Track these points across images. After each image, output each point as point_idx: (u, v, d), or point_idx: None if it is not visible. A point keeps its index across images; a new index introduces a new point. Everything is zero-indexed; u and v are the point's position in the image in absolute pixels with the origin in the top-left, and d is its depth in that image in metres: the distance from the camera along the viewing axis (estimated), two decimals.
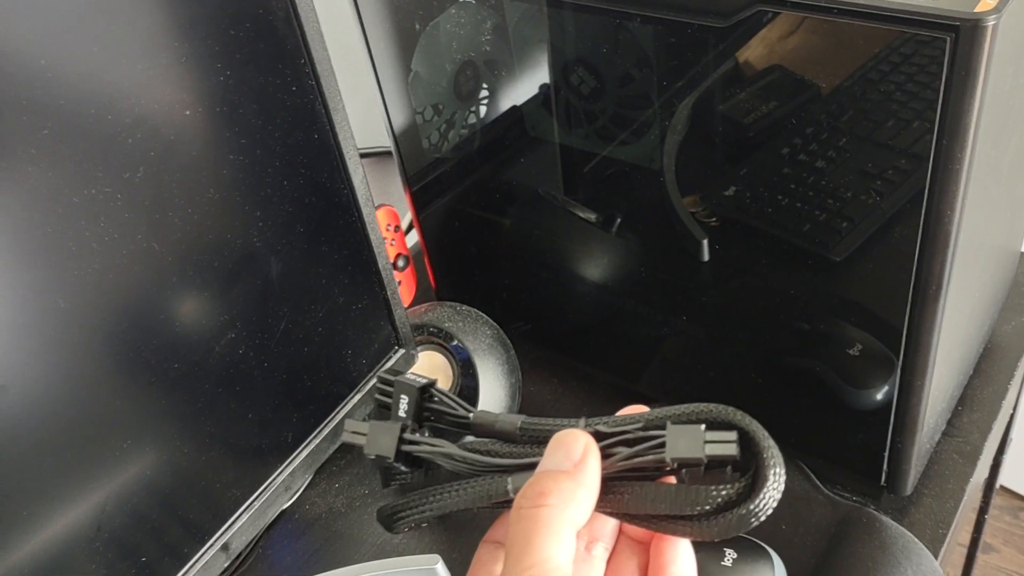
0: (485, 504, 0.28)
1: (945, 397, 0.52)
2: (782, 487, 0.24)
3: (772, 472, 0.24)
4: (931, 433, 0.51)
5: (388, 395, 0.31)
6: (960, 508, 0.52)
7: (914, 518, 0.52)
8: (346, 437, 0.30)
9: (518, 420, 0.29)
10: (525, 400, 0.62)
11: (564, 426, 0.27)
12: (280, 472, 0.46)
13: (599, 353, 0.61)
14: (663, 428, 0.25)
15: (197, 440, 0.41)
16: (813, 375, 0.50)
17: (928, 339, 0.43)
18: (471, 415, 0.30)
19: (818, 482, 0.54)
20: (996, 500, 1.16)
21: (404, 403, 0.30)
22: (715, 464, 0.25)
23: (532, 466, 0.27)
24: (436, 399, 0.30)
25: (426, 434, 0.30)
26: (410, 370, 0.31)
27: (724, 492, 0.24)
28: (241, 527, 0.44)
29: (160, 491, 0.40)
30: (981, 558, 1.26)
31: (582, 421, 0.27)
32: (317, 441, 0.48)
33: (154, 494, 0.39)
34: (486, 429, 0.29)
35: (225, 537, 0.43)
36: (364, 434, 0.30)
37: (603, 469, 0.26)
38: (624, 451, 0.26)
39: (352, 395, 0.50)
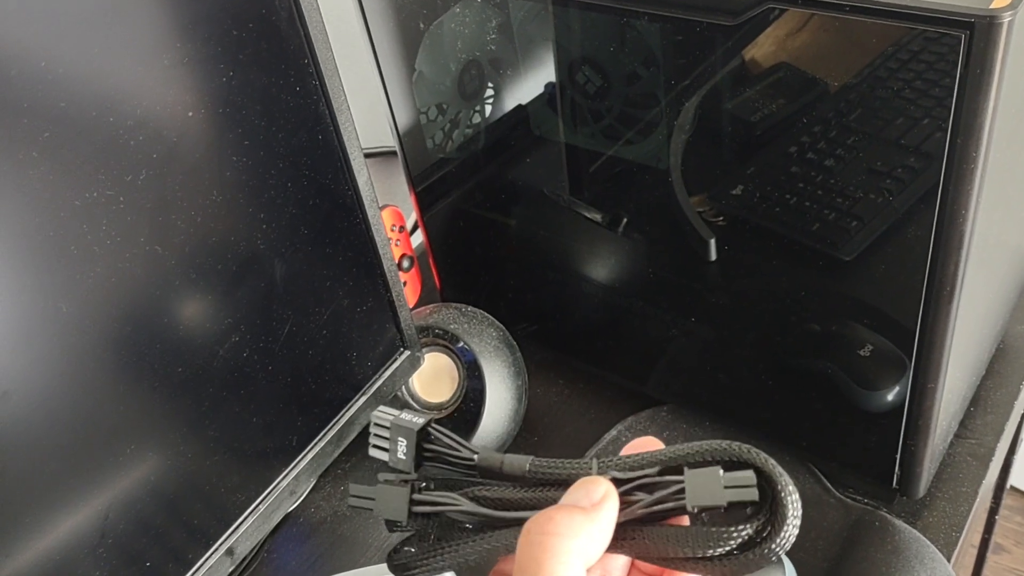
0: (503, 555, 0.28)
1: (958, 398, 0.52)
2: (799, 523, 0.24)
3: (790, 511, 0.24)
4: (944, 435, 0.50)
5: (384, 438, 0.30)
6: (973, 511, 0.51)
7: (927, 521, 0.51)
8: (353, 502, 0.29)
9: (526, 462, 0.28)
10: (531, 402, 0.62)
11: (575, 467, 0.27)
12: (285, 476, 0.46)
13: (606, 354, 0.61)
14: (679, 471, 0.25)
15: (201, 444, 0.41)
16: (823, 377, 0.49)
17: (942, 340, 0.42)
18: (476, 457, 0.29)
19: (829, 485, 0.53)
20: (1006, 500, 1.15)
21: (403, 446, 0.29)
22: (735, 506, 0.25)
23: None
24: (435, 440, 0.29)
25: (432, 485, 0.29)
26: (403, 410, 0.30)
27: (744, 532, 0.24)
28: (246, 531, 0.44)
29: (164, 496, 0.39)
30: (992, 559, 1.25)
31: (594, 463, 0.27)
32: (322, 444, 0.47)
33: (158, 499, 0.39)
34: (493, 472, 0.28)
35: (230, 541, 0.43)
36: (372, 499, 0.29)
37: (623, 516, 0.26)
38: (645, 498, 0.26)
39: (357, 398, 0.50)
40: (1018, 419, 0.61)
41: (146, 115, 0.35)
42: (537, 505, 0.27)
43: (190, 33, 0.36)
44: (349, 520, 0.57)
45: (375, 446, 0.30)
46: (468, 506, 0.28)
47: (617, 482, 0.26)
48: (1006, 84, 0.34)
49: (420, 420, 0.30)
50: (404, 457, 0.29)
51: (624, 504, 0.26)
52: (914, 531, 0.48)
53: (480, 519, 0.28)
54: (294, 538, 0.56)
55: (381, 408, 0.30)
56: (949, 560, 0.48)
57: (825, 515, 0.51)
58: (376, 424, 0.30)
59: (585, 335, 0.61)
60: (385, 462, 0.29)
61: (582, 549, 0.24)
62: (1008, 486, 0.85)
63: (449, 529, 0.29)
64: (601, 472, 0.26)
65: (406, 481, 0.29)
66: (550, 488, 0.27)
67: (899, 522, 0.48)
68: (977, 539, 0.95)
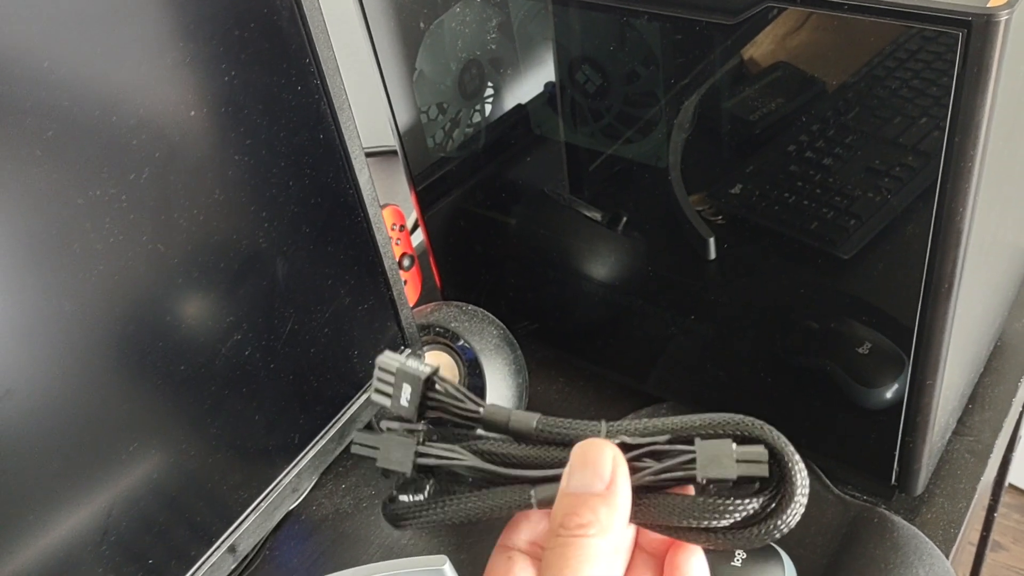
0: (505, 513, 0.27)
1: (956, 395, 0.52)
2: (806, 501, 0.24)
3: (799, 487, 0.24)
4: (942, 432, 0.51)
5: (388, 383, 0.28)
6: (971, 507, 0.52)
7: (925, 518, 0.51)
8: (356, 450, 0.28)
9: (533, 420, 0.27)
10: (532, 400, 0.62)
11: (583, 429, 0.27)
12: (287, 473, 0.46)
13: (606, 352, 0.61)
14: (690, 441, 0.25)
15: (204, 442, 0.41)
16: (822, 374, 0.49)
17: (940, 337, 0.43)
18: (482, 410, 0.28)
19: (828, 482, 0.53)
20: (1004, 498, 1.15)
21: (407, 393, 0.28)
22: (744, 481, 0.25)
23: (556, 477, 0.26)
24: (441, 390, 0.28)
25: (435, 437, 0.29)
26: (408, 355, 0.28)
27: (750, 506, 0.24)
28: (248, 529, 0.44)
29: (167, 493, 0.40)
30: (990, 556, 1.25)
31: (603, 425, 0.26)
32: (324, 442, 0.48)
33: (161, 497, 0.39)
34: (498, 426, 0.28)
35: (232, 539, 0.43)
36: (376, 448, 0.28)
37: (631, 481, 0.25)
38: (654, 466, 0.25)
39: (358, 396, 0.50)
40: (1016, 416, 0.62)
41: (148, 114, 0.35)
42: (542, 464, 0.27)
43: (192, 33, 0.36)
44: (351, 517, 0.57)
45: (378, 391, 0.28)
46: (473, 461, 0.27)
47: (625, 447, 0.25)
48: (1003, 82, 0.35)
49: (426, 368, 0.28)
50: (407, 404, 0.28)
51: (632, 470, 0.25)
52: (912, 528, 0.48)
53: (484, 475, 0.27)
54: (296, 536, 0.56)
55: (387, 353, 0.29)
56: (947, 557, 0.48)
57: (824, 512, 0.52)
58: (381, 369, 0.28)
59: (585, 333, 0.61)
60: (387, 408, 0.28)
61: (613, 543, 0.24)
62: (1007, 483, 0.86)
63: (448, 483, 0.28)
64: (610, 436, 0.26)
65: (411, 431, 0.28)
66: (557, 447, 0.27)
67: (898, 519, 0.49)
68: (976, 536, 0.95)
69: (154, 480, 0.39)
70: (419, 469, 0.28)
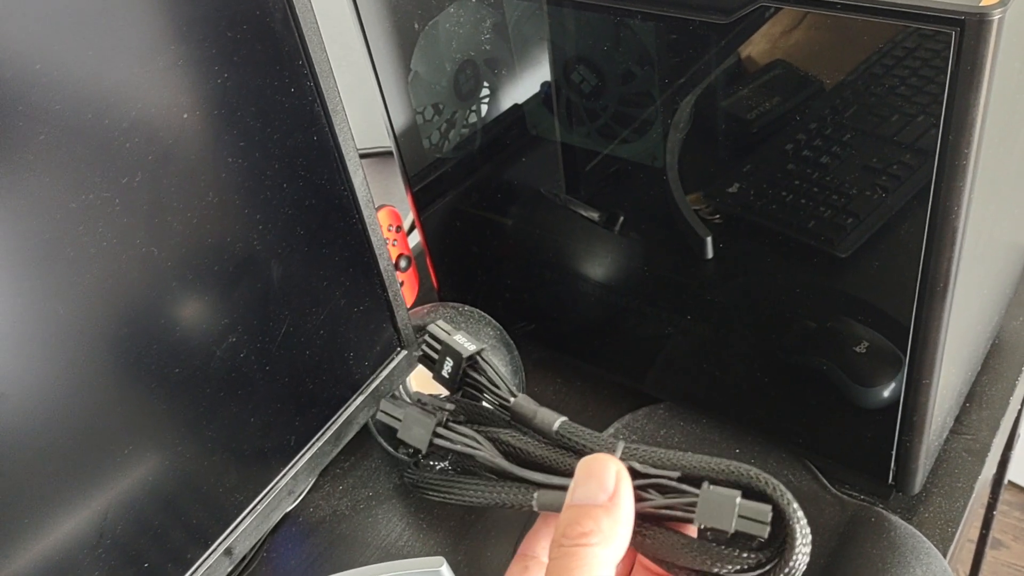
0: (505, 508, 0.28)
1: (953, 394, 0.52)
2: (807, 561, 0.24)
3: (798, 552, 0.24)
4: (939, 431, 0.51)
5: (435, 351, 0.30)
6: (969, 506, 0.52)
7: (923, 517, 0.51)
8: (381, 417, 0.30)
9: (556, 422, 0.28)
10: None
11: (599, 444, 0.27)
12: (283, 475, 0.46)
13: (603, 353, 0.61)
14: (699, 483, 0.25)
15: (199, 444, 0.41)
16: (820, 373, 0.49)
17: (936, 336, 0.43)
18: (512, 400, 0.29)
19: (826, 482, 0.53)
20: (1005, 496, 1.15)
21: (449, 366, 0.30)
22: (742, 535, 0.25)
23: (561, 487, 0.27)
24: (481, 373, 0.30)
25: (462, 418, 0.30)
26: (460, 334, 0.32)
27: (748, 559, 0.25)
28: (244, 531, 0.44)
29: (163, 496, 0.40)
30: (990, 554, 1.25)
31: (620, 445, 0.27)
32: (320, 444, 0.48)
33: (157, 499, 0.39)
34: (524, 419, 0.29)
35: (228, 541, 0.43)
36: (399, 420, 0.30)
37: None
38: (657, 499, 0.26)
39: (355, 397, 0.50)
40: (1014, 414, 0.62)
41: (141, 117, 0.35)
42: (554, 468, 0.28)
43: (185, 35, 0.36)
44: (348, 519, 0.57)
45: (425, 355, 0.30)
46: (487, 453, 0.28)
47: (634, 473, 0.26)
48: (996, 80, 0.35)
49: (472, 347, 0.30)
50: (447, 376, 0.30)
51: (635, 498, 0.26)
52: (910, 527, 0.48)
53: (495, 469, 0.28)
54: (293, 538, 0.56)
55: (440, 322, 0.31)
56: (945, 555, 0.48)
57: (822, 511, 0.52)
58: (431, 335, 0.30)
59: (582, 333, 0.61)
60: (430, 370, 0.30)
61: (613, 554, 0.25)
62: (1006, 481, 0.86)
63: (466, 461, 0.30)
64: (624, 457, 0.27)
65: (439, 408, 0.29)
66: (570, 453, 0.28)
67: (895, 518, 0.49)
68: (975, 534, 0.95)
69: (150, 483, 0.39)
70: (435, 448, 0.29)
